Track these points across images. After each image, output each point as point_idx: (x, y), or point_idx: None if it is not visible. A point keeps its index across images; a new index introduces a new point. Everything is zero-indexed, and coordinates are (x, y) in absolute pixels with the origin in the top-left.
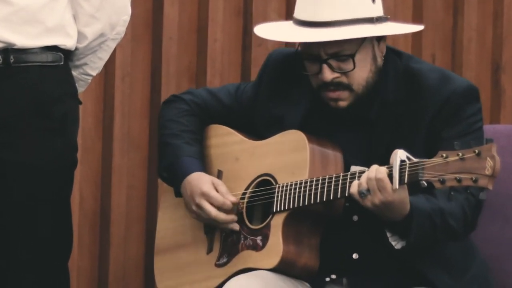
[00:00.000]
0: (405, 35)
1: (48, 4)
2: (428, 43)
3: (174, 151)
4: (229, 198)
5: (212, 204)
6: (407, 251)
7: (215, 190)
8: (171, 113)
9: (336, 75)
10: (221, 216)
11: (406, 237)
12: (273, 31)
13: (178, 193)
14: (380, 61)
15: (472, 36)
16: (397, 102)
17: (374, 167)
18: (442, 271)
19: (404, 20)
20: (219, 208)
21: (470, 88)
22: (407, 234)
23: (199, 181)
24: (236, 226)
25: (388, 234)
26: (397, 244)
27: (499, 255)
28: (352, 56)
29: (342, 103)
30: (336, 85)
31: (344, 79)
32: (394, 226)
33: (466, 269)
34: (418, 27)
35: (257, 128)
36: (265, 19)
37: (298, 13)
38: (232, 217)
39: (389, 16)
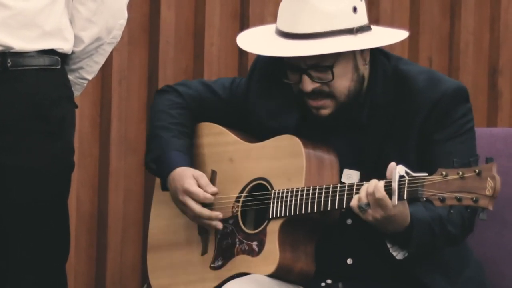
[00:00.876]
0: None
1: (45, 8)
2: (425, 46)
3: (161, 144)
4: (209, 190)
5: (194, 200)
6: (408, 260)
7: (196, 184)
8: (163, 104)
9: (316, 85)
10: (205, 212)
11: (406, 247)
12: (254, 41)
13: (164, 187)
14: (363, 69)
15: (469, 40)
16: (387, 105)
17: (373, 182)
18: (437, 274)
19: (401, 23)
20: (202, 203)
21: (459, 89)
22: (407, 244)
23: (181, 177)
24: (219, 225)
25: (389, 245)
26: (398, 255)
27: (497, 259)
28: (330, 68)
29: (324, 111)
30: (317, 94)
31: (325, 88)
32: (395, 237)
33: (461, 271)
34: (401, 36)
35: (250, 124)
36: (262, 22)
37: (279, 23)
38: (217, 213)
39: (371, 26)
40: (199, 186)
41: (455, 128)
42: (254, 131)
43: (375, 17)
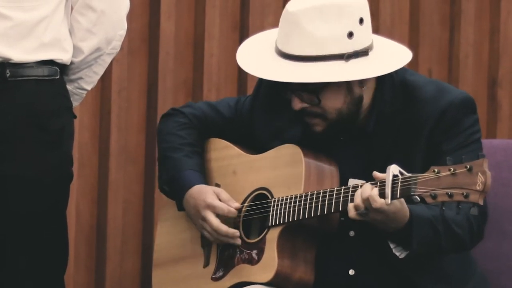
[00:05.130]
0: None
1: (45, 19)
2: (425, 58)
3: (174, 164)
4: (232, 205)
5: (217, 213)
6: (411, 261)
7: (218, 199)
8: (170, 127)
9: (305, 105)
10: (223, 228)
11: (408, 246)
12: (250, 55)
13: (180, 207)
14: (359, 91)
15: (469, 51)
16: (394, 115)
17: (366, 187)
18: (441, 285)
19: (400, 35)
20: (225, 217)
21: (467, 99)
22: (409, 243)
23: (201, 193)
24: (238, 241)
25: (392, 245)
26: (401, 254)
27: (497, 270)
28: (315, 92)
29: (317, 128)
30: (308, 113)
31: (315, 109)
32: (396, 236)
33: (465, 282)
34: (397, 65)
35: (257, 140)
36: None
37: (277, 39)
38: (234, 231)
39: (368, 50)
40: (221, 201)
41: (463, 138)
42: (260, 146)
43: (375, 28)
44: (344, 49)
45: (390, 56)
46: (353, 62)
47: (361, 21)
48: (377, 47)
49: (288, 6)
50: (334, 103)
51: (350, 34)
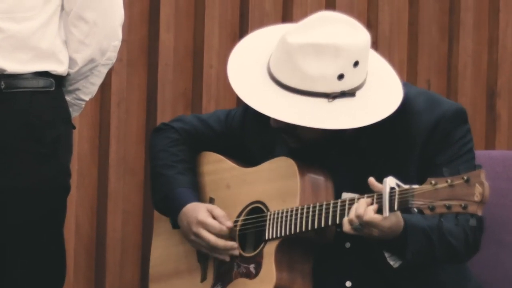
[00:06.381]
0: (400, 60)
1: (38, 31)
2: (424, 68)
3: (167, 182)
4: (225, 223)
5: (209, 231)
6: (407, 271)
7: (211, 217)
8: (162, 143)
9: (281, 124)
10: (220, 242)
11: (403, 256)
12: (241, 69)
13: (175, 225)
14: None
15: (468, 62)
16: (386, 128)
17: (361, 203)
18: None
19: (399, 45)
20: (217, 234)
21: (459, 111)
22: (403, 252)
23: (194, 211)
24: (236, 252)
25: (386, 255)
26: (395, 264)
27: (493, 280)
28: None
29: (292, 145)
30: (284, 131)
31: (291, 130)
32: (391, 246)
33: None
34: (380, 115)
35: (249, 153)
36: None
37: (271, 59)
38: (232, 243)
39: (356, 90)
40: (214, 218)
41: (456, 150)
42: (252, 158)
43: (374, 39)
44: (331, 89)
45: (379, 98)
46: (337, 102)
47: (355, 64)
48: (369, 84)
49: (288, 34)
50: (309, 135)
51: (341, 76)
